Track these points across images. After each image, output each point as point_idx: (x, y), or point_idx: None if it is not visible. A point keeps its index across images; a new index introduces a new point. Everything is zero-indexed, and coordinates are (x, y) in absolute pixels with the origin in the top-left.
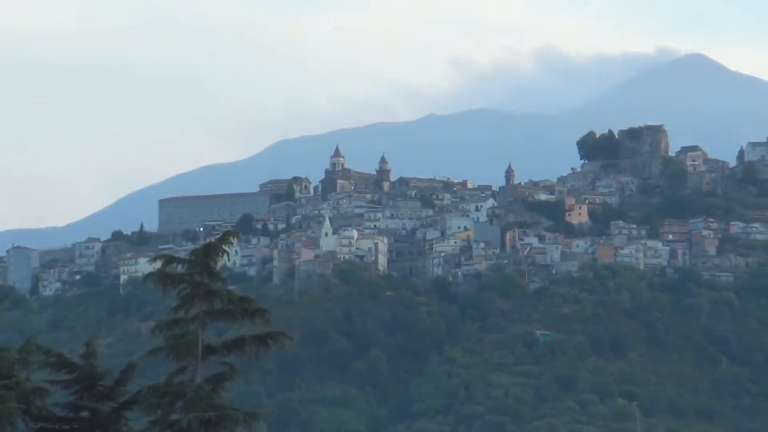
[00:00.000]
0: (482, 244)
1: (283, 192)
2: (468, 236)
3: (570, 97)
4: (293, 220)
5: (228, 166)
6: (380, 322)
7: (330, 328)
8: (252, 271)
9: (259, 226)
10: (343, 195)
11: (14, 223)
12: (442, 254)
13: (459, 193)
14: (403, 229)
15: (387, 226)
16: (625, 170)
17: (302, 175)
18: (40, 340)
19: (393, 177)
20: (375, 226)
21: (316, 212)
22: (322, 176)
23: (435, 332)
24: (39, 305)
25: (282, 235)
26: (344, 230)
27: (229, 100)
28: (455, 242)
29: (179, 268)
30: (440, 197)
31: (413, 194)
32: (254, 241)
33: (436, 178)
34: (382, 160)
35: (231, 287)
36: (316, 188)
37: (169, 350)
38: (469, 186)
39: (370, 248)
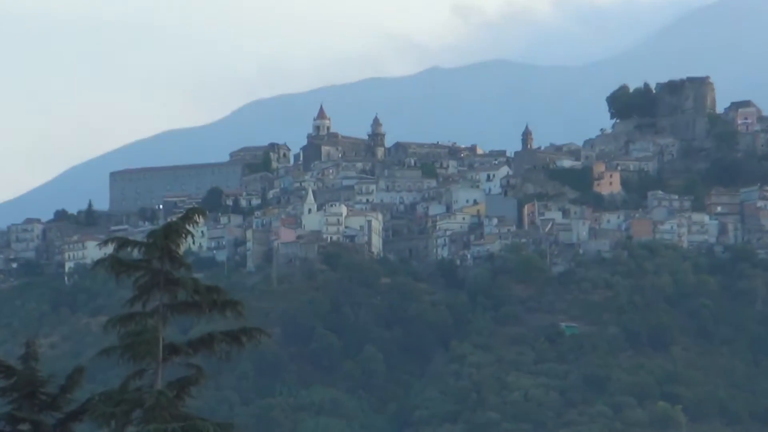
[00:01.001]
0: (495, 221)
1: (257, 161)
2: (478, 211)
3: (597, 47)
4: (270, 194)
5: (192, 131)
6: (375, 314)
7: (315, 321)
8: (222, 256)
9: (229, 202)
10: (329, 164)
11: None
12: (448, 233)
13: (467, 160)
14: (401, 203)
15: (382, 200)
16: (665, 131)
17: (280, 142)
18: None
19: (388, 142)
20: (367, 200)
21: (298, 185)
22: (304, 142)
23: (440, 325)
24: None
25: (257, 213)
26: (331, 206)
27: (193, 54)
28: (463, 218)
29: (135, 253)
30: (445, 165)
31: (412, 162)
32: (224, 219)
33: (440, 143)
34: (375, 123)
35: (197, 275)
36: (296, 156)
37: (124, 350)
38: (479, 152)
39: (361, 227)
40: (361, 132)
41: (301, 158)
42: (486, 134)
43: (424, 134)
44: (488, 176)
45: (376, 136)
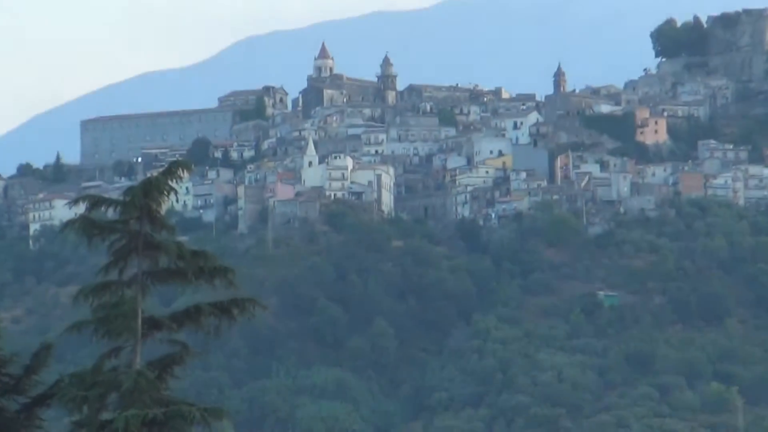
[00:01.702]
0: (523, 175)
1: (250, 108)
2: (504, 164)
3: None
4: (265, 145)
5: (175, 73)
6: (386, 282)
7: (317, 291)
8: (210, 216)
9: (218, 154)
10: (332, 110)
11: None
12: (469, 189)
13: (491, 105)
14: (416, 155)
15: (393, 151)
16: (717, 71)
17: (276, 84)
18: None
19: (400, 85)
20: (377, 151)
21: (296, 134)
22: (303, 85)
23: (460, 295)
24: None
25: (250, 166)
26: (335, 158)
27: None
28: (486, 172)
29: (110, 214)
30: (465, 111)
31: (428, 108)
32: (212, 174)
33: (459, 85)
34: (386, 63)
35: (181, 238)
36: (295, 102)
37: (97, 325)
38: (505, 95)
39: (370, 182)
40: (369, 73)
41: (300, 104)
42: (512, 75)
43: (441, 76)
44: (515, 124)
45: (386, 78)
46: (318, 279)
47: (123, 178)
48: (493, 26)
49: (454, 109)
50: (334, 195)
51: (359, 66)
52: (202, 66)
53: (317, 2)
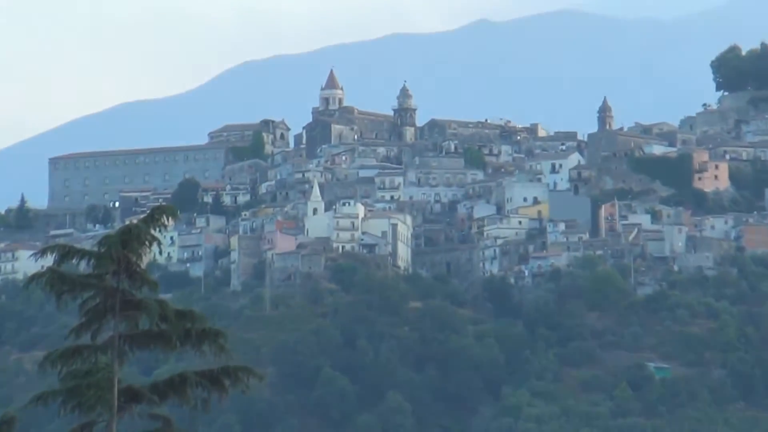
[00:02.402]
0: (562, 226)
1: (246, 144)
2: (540, 213)
3: None
4: (263, 188)
5: (159, 103)
6: (401, 349)
7: (321, 359)
8: (198, 270)
9: (208, 198)
10: (341, 148)
11: None
12: (499, 242)
13: (525, 144)
14: (437, 202)
15: (411, 197)
16: None
17: (276, 118)
18: None
19: (420, 120)
20: (392, 197)
21: (299, 176)
22: (308, 119)
23: (488, 365)
24: None
25: (245, 213)
26: (344, 204)
27: (160, 2)
28: (519, 223)
29: (82, 267)
30: (495, 151)
31: (452, 147)
32: (201, 222)
33: (489, 120)
34: (403, 94)
35: (165, 296)
36: (298, 138)
37: (67, 396)
38: (542, 133)
39: (384, 233)
40: (384, 106)
41: (304, 140)
42: (550, 110)
43: (467, 110)
44: (553, 166)
45: (403, 112)
46: (323, 345)
47: (98, 226)
48: (527, 52)
49: (483, 149)
50: (343, 247)
51: (373, 97)
52: (190, 95)
53: (323, 23)
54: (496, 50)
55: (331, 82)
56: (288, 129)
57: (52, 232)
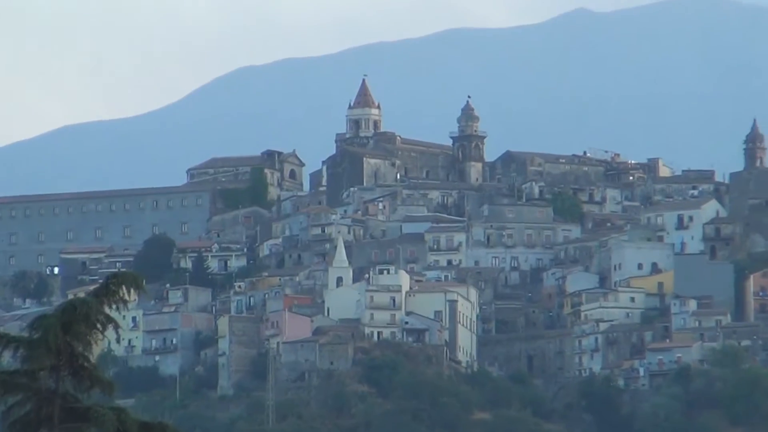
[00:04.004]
0: (693, 304)
1: (241, 187)
2: (662, 286)
3: None
4: (265, 248)
5: (117, 125)
6: None
7: None
8: (172, 366)
9: (187, 262)
10: (378, 193)
11: None
12: (603, 327)
13: (641, 188)
14: (515, 269)
15: (477, 262)
16: None
17: (284, 149)
18: None
19: (491, 152)
20: (450, 262)
21: (317, 231)
22: (331, 150)
23: None
24: None
25: (240, 284)
26: (381, 272)
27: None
28: (632, 300)
29: (6, 359)
30: (598, 197)
31: (536, 190)
32: (176, 297)
33: (587, 153)
34: (467, 114)
35: (124, 402)
36: (315, 177)
37: None
38: (664, 172)
39: (437, 313)
40: (439, 133)
41: (325, 180)
42: (673, 138)
43: (556, 138)
44: (680, 220)
45: (467, 141)
46: None
47: (29, 301)
48: (633, 53)
49: (580, 194)
50: (379, 334)
51: (421, 120)
52: (161, 115)
53: (342, 18)
54: (588, 49)
55: (364, 97)
56: (301, 164)
57: None
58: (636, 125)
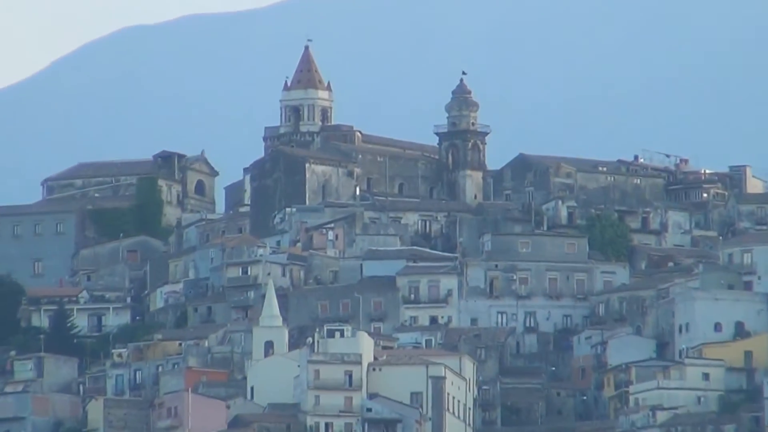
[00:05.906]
0: None
1: (122, 205)
2: (751, 356)
3: None
4: (157, 299)
5: None
6: None
7: None
8: None
9: (41, 318)
10: (327, 216)
11: None
12: (663, 416)
13: (715, 208)
14: (531, 329)
15: (475, 319)
16: None
17: (186, 151)
18: None
19: (494, 156)
20: (434, 319)
21: (236, 273)
22: (259, 153)
23: None
24: None
25: (120, 351)
26: (332, 335)
27: None
28: (705, 377)
29: None
30: (653, 222)
31: (565, 212)
32: (24, 370)
33: (641, 158)
34: (460, 99)
35: None
36: (232, 192)
37: None
38: (753, 186)
39: (416, 396)
40: (419, 127)
41: (248, 196)
42: (734, 142)
43: (588, 135)
44: None
45: (461, 139)
46: None
47: None
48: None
49: (628, 219)
50: (327, 427)
51: (394, 108)
52: (5, 94)
53: None
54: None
55: (307, 73)
56: (213, 173)
57: None
58: (710, 121)
